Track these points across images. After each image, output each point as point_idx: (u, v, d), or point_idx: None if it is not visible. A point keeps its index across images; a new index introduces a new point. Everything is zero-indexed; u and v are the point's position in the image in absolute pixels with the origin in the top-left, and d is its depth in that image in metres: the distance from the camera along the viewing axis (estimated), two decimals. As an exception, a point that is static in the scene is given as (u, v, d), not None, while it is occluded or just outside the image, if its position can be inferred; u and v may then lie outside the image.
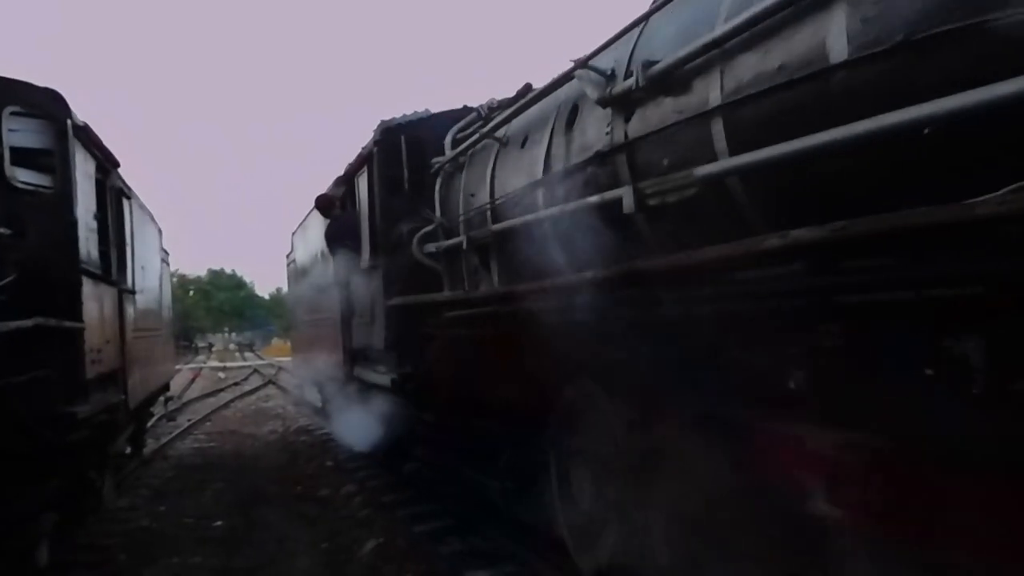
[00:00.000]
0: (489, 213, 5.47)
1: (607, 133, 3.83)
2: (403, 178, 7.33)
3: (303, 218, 12.59)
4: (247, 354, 55.66)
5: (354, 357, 8.85)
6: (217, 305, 74.46)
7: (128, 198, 8.29)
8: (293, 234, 13.89)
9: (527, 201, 4.74)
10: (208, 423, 16.50)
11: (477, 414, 5.40)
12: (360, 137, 10.51)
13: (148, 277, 9.83)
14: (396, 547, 6.18)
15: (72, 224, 5.74)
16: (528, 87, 5.70)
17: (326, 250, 9.32)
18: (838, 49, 2.51)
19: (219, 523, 7.60)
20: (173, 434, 13.86)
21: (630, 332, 3.37)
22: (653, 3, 3.81)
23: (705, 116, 3.12)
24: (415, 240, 6.59)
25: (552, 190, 4.41)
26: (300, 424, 14.81)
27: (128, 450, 9.72)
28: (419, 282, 6.65)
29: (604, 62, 4.05)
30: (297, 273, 14.47)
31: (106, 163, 7.20)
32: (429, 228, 6.51)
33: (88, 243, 6.16)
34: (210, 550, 6.71)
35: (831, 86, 2.53)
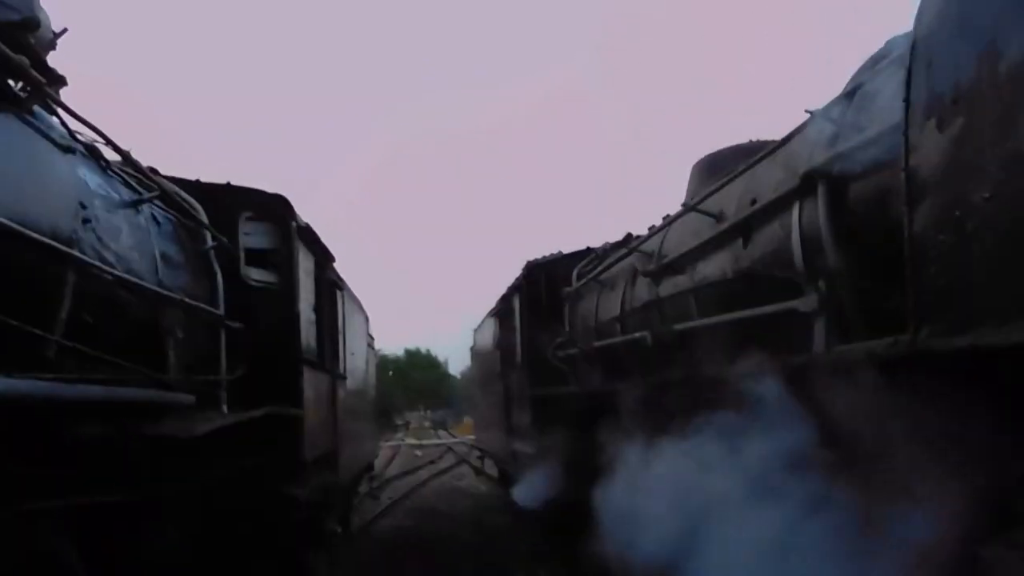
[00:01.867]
0: (594, 333, 7.50)
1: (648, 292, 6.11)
2: (542, 301, 9.76)
3: (481, 320, 15.76)
4: (440, 432, 57.25)
5: (511, 431, 11.51)
6: (414, 385, 77.43)
7: (341, 289, 8.88)
8: (475, 331, 17.15)
9: (611, 328, 7.00)
10: (407, 500, 16.95)
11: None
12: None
13: (356, 361, 10.46)
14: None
15: (295, 317, 6.18)
16: (629, 236, 7.83)
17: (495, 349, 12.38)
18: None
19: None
20: (376, 511, 14.33)
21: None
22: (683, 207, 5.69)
23: (686, 292, 5.27)
24: (551, 348, 8.72)
25: (622, 325, 6.75)
26: (491, 502, 14.90)
27: (338, 528, 10.13)
28: (554, 379, 8.73)
29: (649, 246, 6.31)
30: (476, 363, 18.67)
31: (323, 258, 7.76)
32: (562, 340, 8.60)
33: (308, 334, 6.62)
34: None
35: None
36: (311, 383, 6.51)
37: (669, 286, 5.55)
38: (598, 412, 6.04)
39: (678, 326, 5.24)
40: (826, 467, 2.95)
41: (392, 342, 75.26)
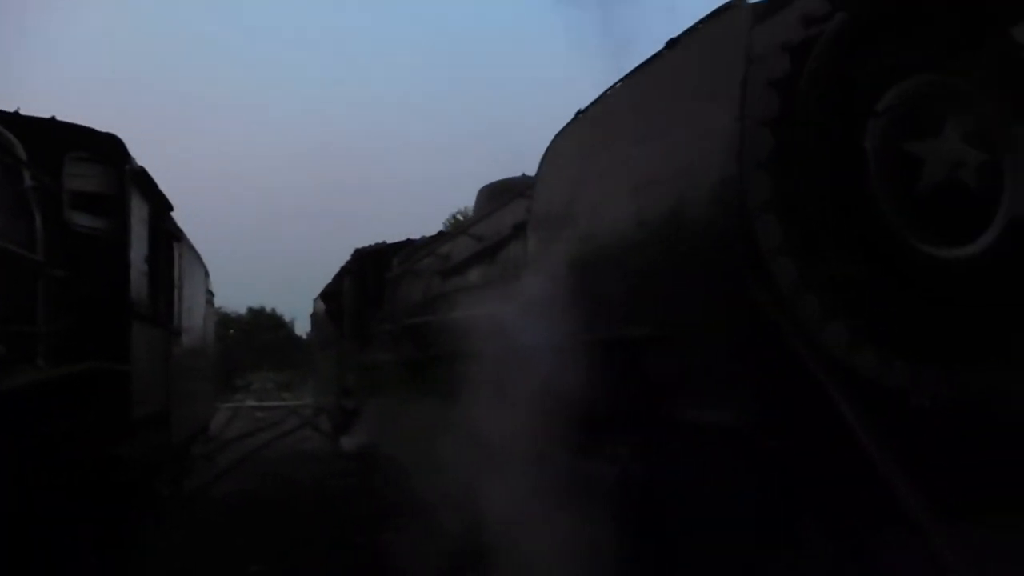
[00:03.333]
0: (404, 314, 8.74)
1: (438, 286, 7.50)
2: (368, 283, 11.51)
3: (321, 290, 17.06)
4: (284, 394, 55.91)
5: (341, 392, 13.57)
6: (257, 345, 75.08)
7: (178, 240, 8.45)
8: (314, 300, 19.19)
9: (417, 311, 8.12)
10: (247, 463, 16.53)
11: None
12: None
13: (194, 318, 10.02)
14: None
15: (125, 268, 5.83)
16: (440, 233, 9.45)
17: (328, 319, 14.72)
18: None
19: (255, 568, 7.54)
20: (212, 473, 13.88)
21: None
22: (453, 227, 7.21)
23: (454, 291, 6.76)
24: (373, 323, 10.46)
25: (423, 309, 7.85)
26: (339, 466, 14.80)
27: (168, 490, 9.74)
28: (376, 348, 10.16)
29: (444, 250, 7.78)
30: (315, 329, 21.27)
31: (159, 206, 7.35)
32: (382, 316, 9.99)
33: (139, 286, 6.27)
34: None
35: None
36: (141, 338, 6.19)
37: (449, 284, 6.97)
38: (403, 377, 7.59)
39: (444, 316, 6.52)
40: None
41: (237, 300, 72.31)
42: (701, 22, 3.00)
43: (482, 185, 7.51)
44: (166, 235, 7.72)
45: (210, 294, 13.56)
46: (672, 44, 3.18)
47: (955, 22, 3.02)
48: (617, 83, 3.67)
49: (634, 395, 3.12)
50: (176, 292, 8.27)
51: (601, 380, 3.30)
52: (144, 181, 6.54)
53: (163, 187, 7.44)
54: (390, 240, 12.00)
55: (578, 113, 4.21)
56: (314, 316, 19.74)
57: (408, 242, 10.57)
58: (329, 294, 14.87)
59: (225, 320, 67.91)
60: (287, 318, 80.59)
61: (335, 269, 15.42)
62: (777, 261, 2.87)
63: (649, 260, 2.99)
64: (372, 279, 11.18)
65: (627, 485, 3.03)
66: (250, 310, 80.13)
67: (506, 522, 4.06)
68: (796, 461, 2.71)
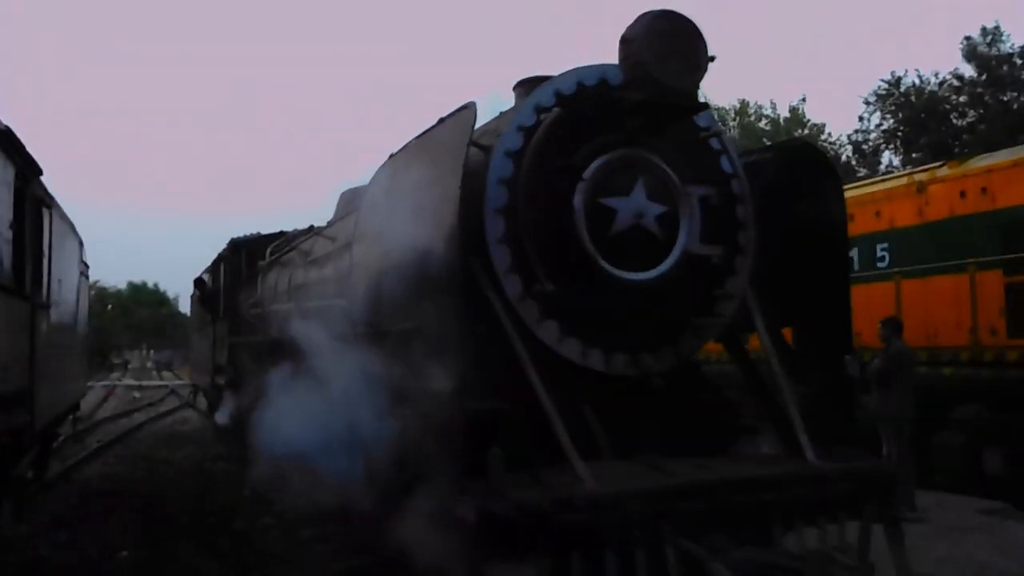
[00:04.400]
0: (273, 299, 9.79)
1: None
2: (242, 271, 12.20)
3: (202, 271, 17.44)
4: (165, 373, 53.80)
5: (216, 370, 14.33)
6: (137, 321, 71.88)
7: (48, 208, 7.96)
8: (195, 280, 18.77)
9: (282, 297, 8.92)
10: (119, 445, 15.81)
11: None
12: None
13: (64, 291, 9.47)
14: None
15: (-16, 234, 5.42)
16: (311, 227, 9.62)
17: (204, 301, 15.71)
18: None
19: (124, 554, 7.21)
20: (80, 456, 13.20)
21: None
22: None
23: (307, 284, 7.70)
24: (246, 306, 11.03)
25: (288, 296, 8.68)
26: (217, 449, 14.32)
27: (30, 474, 9.19)
28: (247, 331, 10.96)
29: (306, 246, 8.33)
30: (193, 311, 21.54)
31: (27, 170, 6.88)
32: (254, 301, 10.68)
33: (2, 254, 5.84)
34: (112, 585, 6.33)
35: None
36: (2, 310, 5.78)
37: (306, 276, 7.76)
38: (265, 356, 8.31)
39: (298, 304, 7.62)
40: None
41: (117, 275, 69.06)
42: (450, 117, 4.22)
43: (344, 189, 8.26)
44: (34, 201, 7.24)
45: (84, 266, 12.84)
46: (441, 120, 4.38)
47: (645, 116, 4.33)
48: (408, 141, 4.90)
49: (405, 372, 4.18)
50: (45, 263, 7.77)
51: (390, 360, 4.43)
52: (9, 142, 6.09)
53: (34, 151, 6.95)
54: (265, 231, 12.89)
55: (390, 155, 5.31)
56: (193, 297, 20.40)
57: (281, 234, 11.36)
58: (205, 278, 16.01)
59: (102, 295, 64.67)
60: (171, 295, 77.39)
61: (221, 247, 15.46)
62: (508, 278, 4.22)
63: (419, 274, 4.04)
64: (246, 266, 11.98)
65: (403, 442, 4.16)
66: (131, 285, 76.57)
67: (335, 476, 5.22)
68: (509, 420, 3.89)
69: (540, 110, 4.39)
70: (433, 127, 4.46)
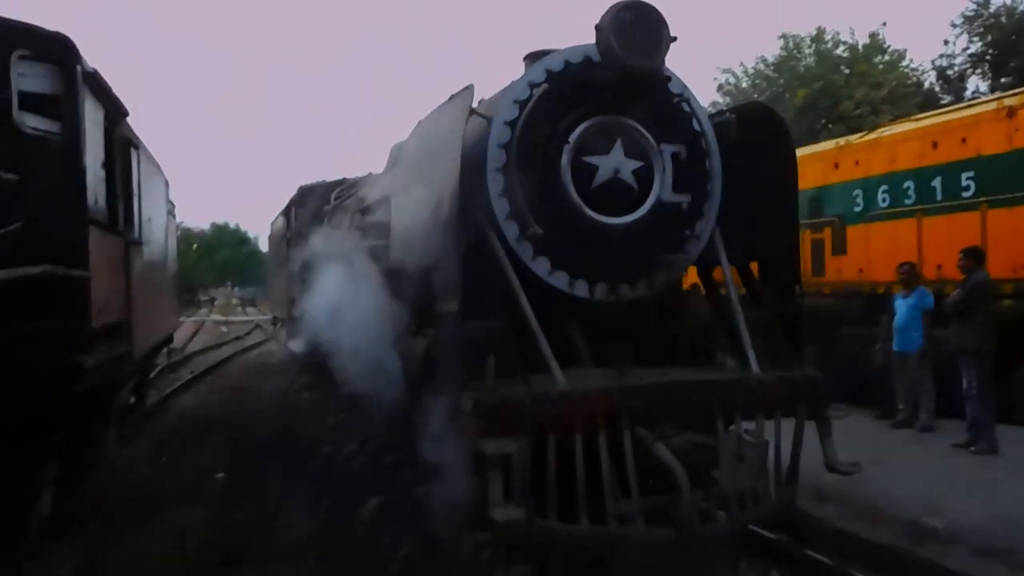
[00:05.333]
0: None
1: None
2: (309, 215, 13.04)
3: (275, 216, 19.32)
4: (249, 309, 55.51)
5: (291, 303, 15.10)
6: (220, 260, 74.01)
7: (136, 148, 8.25)
8: (271, 223, 20.58)
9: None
10: (210, 376, 16.48)
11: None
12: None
13: (154, 229, 9.86)
14: (398, 507, 6.12)
15: (80, 172, 5.64)
16: (369, 175, 10.22)
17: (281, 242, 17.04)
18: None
19: (220, 475, 7.58)
20: (175, 386, 13.81)
21: None
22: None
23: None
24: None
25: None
26: (303, 380, 14.81)
27: (131, 401, 9.68)
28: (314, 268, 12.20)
29: (363, 192, 8.95)
30: (271, 250, 22.52)
31: (115, 112, 7.09)
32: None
33: (96, 192, 6.09)
34: (211, 503, 6.73)
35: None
36: (100, 245, 6.07)
37: (361, 220, 8.47)
38: (330, 292, 9.06)
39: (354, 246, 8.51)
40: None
41: (199, 216, 70.95)
42: (458, 95, 5.19)
43: (393, 144, 8.82)
44: (123, 142, 7.46)
45: (171, 205, 13.25)
46: (452, 97, 5.38)
47: (622, 88, 5.24)
48: (429, 113, 5.95)
49: (429, 298, 5.18)
50: (135, 201, 8.06)
51: (417, 290, 5.50)
52: (97, 84, 6.27)
53: (121, 95, 7.12)
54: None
55: (417, 123, 6.33)
56: (270, 238, 21.81)
57: (343, 180, 12.30)
58: (282, 217, 17.40)
59: (187, 235, 66.73)
60: (251, 235, 79.24)
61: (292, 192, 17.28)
62: (506, 224, 5.23)
63: (434, 222, 5.02)
64: (313, 211, 13.00)
65: (428, 353, 5.17)
66: (214, 225, 78.63)
67: (378, 383, 6.34)
68: (504, 336, 4.88)
69: (532, 85, 5.36)
70: (443, 104, 5.55)
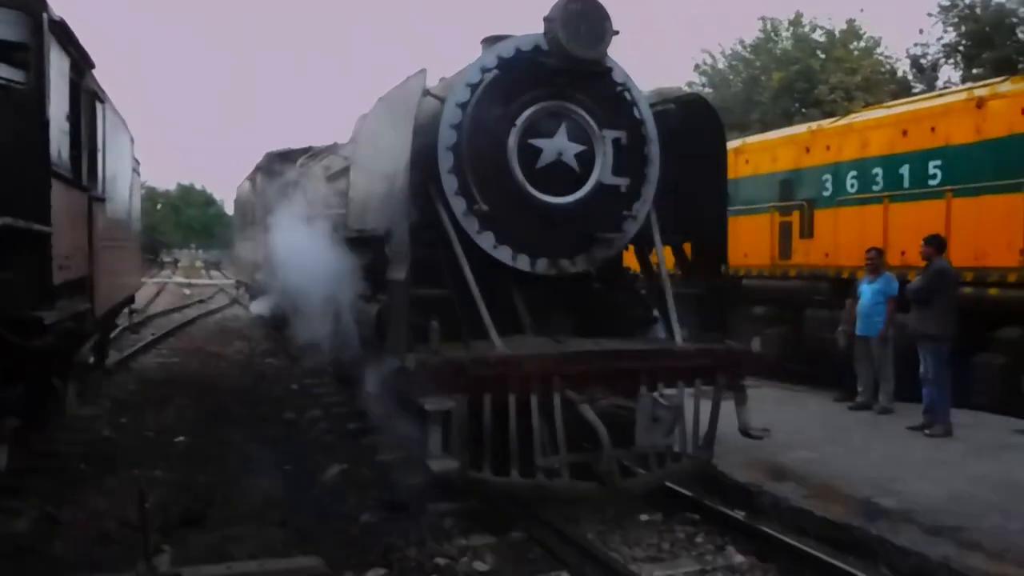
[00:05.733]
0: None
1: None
2: (275, 179, 13.47)
3: (241, 180, 20.05)
4: (213, 272, 54.82)
5: (255, 267, 16.30)
6: (185, 221, 72.92)
7: (102, 102, 8.04)
8: (237, 187, 21.51)
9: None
10: (172, 338, 16.32)
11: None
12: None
13: (118, 186, 9.73)
14: (360, 474, 6.16)
15: (44, 124, 5.53)
16: (334, 144, 10.22)
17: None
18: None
19: (181, 438, 7.54)
20: (136, 346, 13.67)
21: None
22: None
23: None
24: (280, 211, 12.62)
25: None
26: (267, 347, 14.71)
27: (92, 360, 9.55)
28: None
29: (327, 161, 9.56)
30: (237, 213, 23.50)
31: (81, 63, 6.91)
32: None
33: (59, 145, 5.96)
34: (171, 464, 6.70)
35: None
36: (62, 200, 5.95)
37: (326, 188, 8.90)
38: (294, 256, 9.18)
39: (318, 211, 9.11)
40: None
41: (165, 176, 69.75)
42: (412, 77, 5.66)
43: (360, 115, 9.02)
44: (89, 94, 7.30)
45: (136, 162, 13.00)
46: (408, 78, 5.84)
47: (567, 76, 5.73)
48: (387, 92, 6.41)
49: (382, 266, 5.62)
50: (100, 156, 7.90)
51: (372, 258, 6.00)
52: (64, 33, 6.12)
53: (88, 46, 6.96)
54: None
55: (378, 99, 6.73)
56: (236, 201, 22.43)
57: (309, 148, 12.66)
58: (248, 181, 17.87)
59: (152, 195, 65.51)
60: (218, 197, 78.12)
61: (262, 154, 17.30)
62: (455, 199, 5.66)
63: (388, 193, 5.53)
64: (279, 177, 13.33)
65: (379, 317, 5.73)
66: (179, 186, 77.34)
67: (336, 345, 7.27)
68: (451, 303, 5.44)
69: (484, 70, 5.76)
70: (398, 86, 6.01)
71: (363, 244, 6.28)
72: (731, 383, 5.84)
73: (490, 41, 6.08)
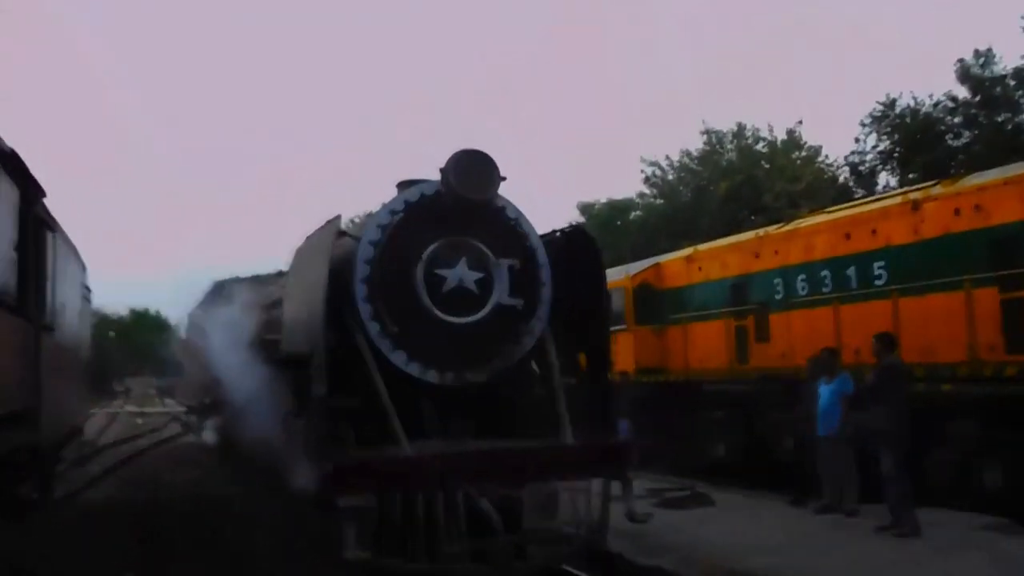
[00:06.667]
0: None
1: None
2: (222, 309, 13.71)
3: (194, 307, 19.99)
4: (167, 400, 53.51)
5: (204, 392, 16.38)
6: (139, 348, 71.59)
7: (52, 231, 8.06)
8: (189, 314, 20.71)
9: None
10: (122, 469, 15.78)
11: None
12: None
13: (67, 314, 9.59)
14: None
15: (-12, 253, 5.49)
16: (280, 272, 11.04)
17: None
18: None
19: (129, 575, 7.18)
20: (84, 482, 13.18)
21: None
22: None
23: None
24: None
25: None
26: (223, 475, 14.29)
27: (36, 495, 9.19)
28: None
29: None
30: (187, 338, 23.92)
31: (31, 193, 6.97)
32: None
33: (5, 274, 5.92)
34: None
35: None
36: (6, 329, 5.85)
37: (267, 314, 9.51)
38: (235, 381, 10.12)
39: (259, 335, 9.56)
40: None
41: (118, 301, 69.05)
42: (327, 223, 6.79)
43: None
44: (37, 223, 7.34)
45: (87, 290, 12.98)
46: (326, 223, 6.89)
47: (464, 215, 6.81)
48: (308, 234, 7.47)
49: (300, 381, 6.56)
50: (48, 285, 7.85)
51: (298, 377, 6.76)
52: (13, 163, 6.21)
53: (38, 175, 7.06)
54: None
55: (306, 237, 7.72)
56: (187, 328, 22.36)
57: (256, 277, 13.48)
58: (196, 312, 18.37)
59: (104, 321, 64.54)
60: (172, 321, 76.95)
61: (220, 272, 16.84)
62: (370, 323, 6.62)
63: (313, 321, 6.31)
64: (225, 305, 13.94)
65: (297, 409, 6.88)
66: (132, 311, 76.43)
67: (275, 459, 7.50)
68: (363, 418, 6.39)
69: (393, 213, 6.90)
70: (319, 228, 7.10)
71: (294, 365, 7.11)
72: (616, 473, 6.74)
73: (403, 185, 7.22)
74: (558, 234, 7.88)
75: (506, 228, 7.20)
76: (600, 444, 6.88)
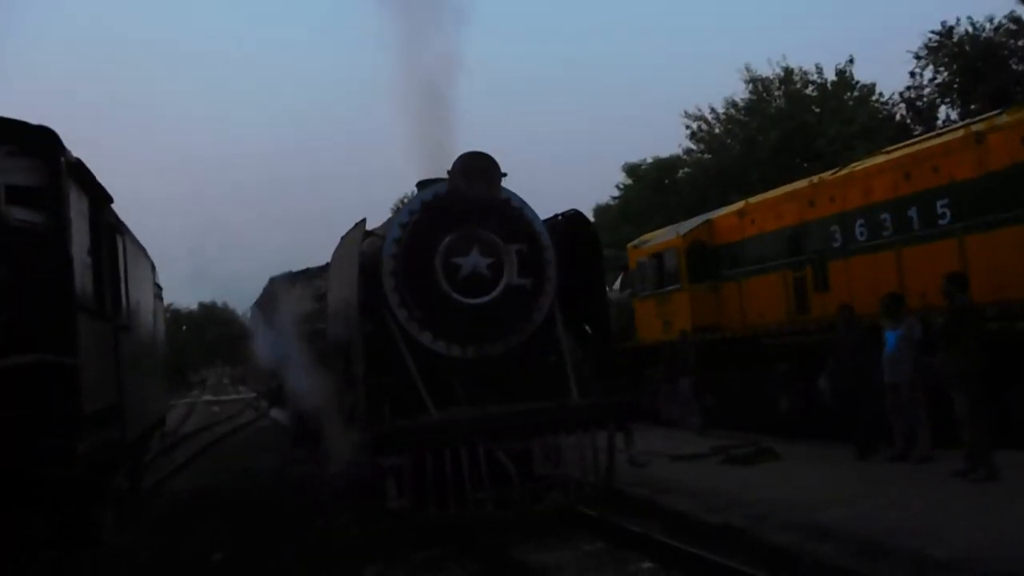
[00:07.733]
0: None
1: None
2: (276, 300, 15.09)
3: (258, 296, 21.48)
4: (241, 387, 55.15)
5: (272, 376, 17.39)
6: (210, 340, 73.70)
7: (121, 234, 8.44)
8: (250, 307, 22.70)
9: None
10: (203, 457, 16.43)
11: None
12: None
13: (142, 312, 10.02)
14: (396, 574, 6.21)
15: (67, 261, 5.83)
16: (326, 265, 11.60)
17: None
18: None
19: (218, 556, 7.55)
20: (169, 470, 13.77)
21: None
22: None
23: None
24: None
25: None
26: (296, 455, 14.75)
27: (126, 486, 9.65)
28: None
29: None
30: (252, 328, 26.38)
31: (99, 199, 7.29)
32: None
33: (83, 279, 6.25)
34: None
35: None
36: (89, 332, 6.21)
37: (317, 304, 10.52)
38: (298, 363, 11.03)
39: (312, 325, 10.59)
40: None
41: (188, 297, 71.07)
42: (355, 226, 7.92)
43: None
44: (108, 228, 7.70)
45: (158, 288, 13.51)
46: (356, 225, 7.97)
47: (473, 210, 7.92)
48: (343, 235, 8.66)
49: (344, 364, 7.70)
50: (122, 286, 8.25)
51: (338, 358, 7.99)
52: (81, 173, 6.51)
53: (104, 181, 7.35)
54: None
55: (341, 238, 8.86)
56: (250, 320, 23.69)
57: (307, 270, 14.38)
58: (254, 308, 19.86)
59: (176, 317, 66.66)
60: (239, 311, 78.86)
61: (283, 260, 17.72)
62: (399, 310, 7.79)
63: (347, 310, 7.66)
64: (280, 296, 15.01)
65: (344, 387, 7.90)
66: (201, 305, 78.67)
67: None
68: (399, 391, 7.52)
69: (412, 212, 8.05)
70: (350, 230, 8.19)
71: (339, 349, 8.21)
72: (620, 427, 7.89)
73: (422, 184, 8.46)
74: (559, 218, 8.88)
75: (512, 217, 8.29)
76: (601, 402, 7.98)
